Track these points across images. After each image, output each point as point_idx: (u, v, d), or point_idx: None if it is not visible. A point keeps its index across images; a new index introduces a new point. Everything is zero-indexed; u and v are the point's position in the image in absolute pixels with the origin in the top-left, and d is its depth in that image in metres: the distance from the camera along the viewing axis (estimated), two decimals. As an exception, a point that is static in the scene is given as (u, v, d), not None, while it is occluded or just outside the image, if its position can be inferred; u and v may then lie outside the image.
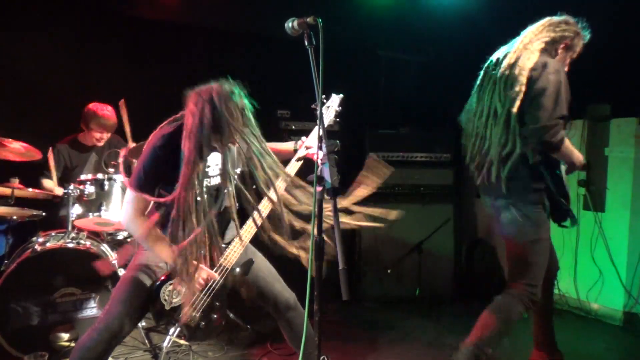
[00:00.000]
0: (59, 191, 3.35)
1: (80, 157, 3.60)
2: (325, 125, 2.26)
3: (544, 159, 2.36)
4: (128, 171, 3.29)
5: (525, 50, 2.40)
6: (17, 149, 3.03)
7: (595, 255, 3.98)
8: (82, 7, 3.96)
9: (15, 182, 3.07)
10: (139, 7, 4.11)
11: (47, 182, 3.47)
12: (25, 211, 3.18)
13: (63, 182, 3.43)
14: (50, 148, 3.42)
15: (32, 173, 3.39)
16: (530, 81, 2.31)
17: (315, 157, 2.10)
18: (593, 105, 4.03)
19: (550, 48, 2.43)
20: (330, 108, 2.40)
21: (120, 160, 3.42)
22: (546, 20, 2.48)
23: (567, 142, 2.34)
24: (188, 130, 1.90)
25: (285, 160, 2.28)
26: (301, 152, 2.28)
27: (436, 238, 4.21)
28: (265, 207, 2.14)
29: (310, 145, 2.27)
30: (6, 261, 3.06)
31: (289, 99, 4.34)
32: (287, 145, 2.39)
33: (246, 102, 1.97)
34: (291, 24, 1.90)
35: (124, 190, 3.19)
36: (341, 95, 2.45)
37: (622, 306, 3.79)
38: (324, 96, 2.28)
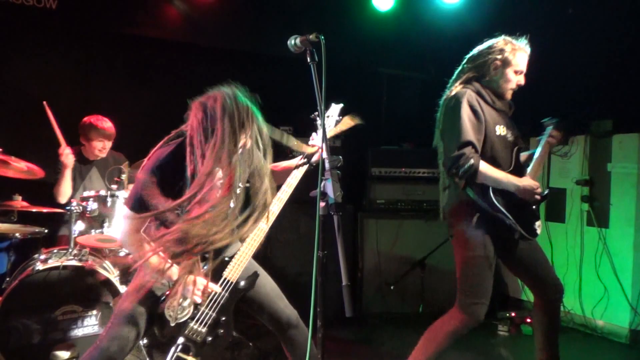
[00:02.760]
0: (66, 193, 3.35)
1: (81, 170, 3.61)
2: (328, 136, 2.27)
3: (473, 184, 2.45)
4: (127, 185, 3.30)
5: (451, 86, 2.63)
6: (20, 168, 3.04)
7: (600, 271, 3.95)
8: (85, 26, 4.01)
9: (18, 199, 3.08)
10: (142, 26, 4.17)
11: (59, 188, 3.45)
12: (28, 228, 3.18)
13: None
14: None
15: (34, 190, 3.39)
16: (443, 114, 2.57)
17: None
18: (595, 121, 4.05)
19: (478, 77, 2.58)
20: (331, 117, 2.40)
21: (124, 175, 3.44)
22: (467, 57, 2.66)
23: (484, 167, 2.41)
24: (194, 138, 1.90)
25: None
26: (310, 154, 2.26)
27: (439, 254, 4.19)
28: (268, 217, 2.14)
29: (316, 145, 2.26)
30: (8, 279, 3.05)
31: (292, 115, 4.36)
32: (293, 162, 2.38)
33: (251, 105, 1.98)
34: (294, 42, 1.93)
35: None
36: (341, 105, 2.45)
37: (628, 323, 3.75)
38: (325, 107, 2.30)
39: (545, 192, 2.62)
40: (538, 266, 2.59)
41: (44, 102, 3.33)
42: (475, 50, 2.63)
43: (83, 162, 3.62)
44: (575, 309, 4.13)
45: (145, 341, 3.02)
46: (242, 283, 2.14)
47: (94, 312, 2.89)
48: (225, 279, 2.11)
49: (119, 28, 4.09)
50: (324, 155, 1.80)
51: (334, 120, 2.41)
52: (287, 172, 2.31)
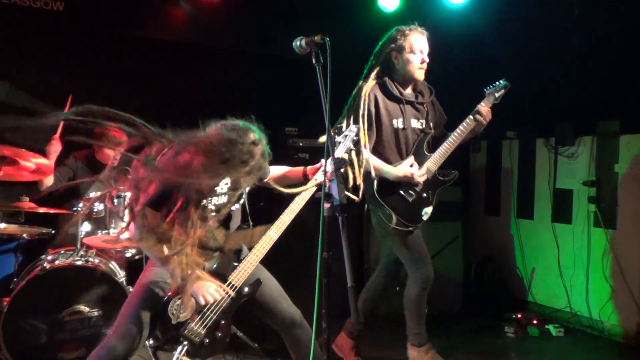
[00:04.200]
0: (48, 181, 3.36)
1: (91, 173, 3.61)
2: (342, 153, 2.27)
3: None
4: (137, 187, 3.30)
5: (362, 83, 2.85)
6: (28, 167, 3.06)
7: (607, 273, 3.93)
8: (92, 28, 4.03)
9: (25, 200, 3.10)
10: (149, 28, 4.19)
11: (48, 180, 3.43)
12: (35, 229, 3.20)
13: (69, 194, 3.45)
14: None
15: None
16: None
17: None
18: (602, 122, 4.02)
19: (385, 70, 2.84)
20: (348, 137, 2.36)
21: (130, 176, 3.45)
22: (373, 53, 2.90)
23: (367, 157, 2.65)
24: (202, 155, 1.91)
25: (293, 184, 2.28)
26: (311, 183, 2.25)
27: (445, 255, 4.17)
28: (278, 226, 2.16)
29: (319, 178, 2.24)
30: (15, 279, 3.07)
31: (297, 116, 4.37)
32: (298, 169, 2.38)
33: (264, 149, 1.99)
34: (299, 43, 1.94)
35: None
36: (359, 126, 2.44)
37: (636, 325, 3.72)
38: (343, 125, 2.30)
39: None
40: (413, 251, 2.92)
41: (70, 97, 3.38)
42: (377, 47, 2.86)
43: (94, 166, 3.63)
44: (582, 310, 4.10)
45: (151, 342, 3.04)
46: (246, 289, 2.17)
47: (101, 312, 2.91)
48: (230, 283, 2.12)
49: (126, 30, 4.11)
50: (330, 156, 1.80)
51: (350, 140, 2.37)
52: (288, 177, 2.31)
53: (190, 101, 4.13)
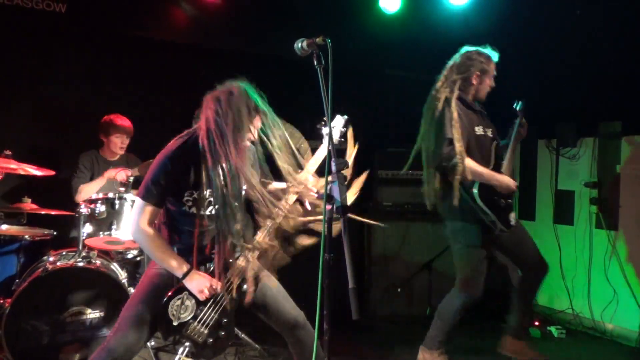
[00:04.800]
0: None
1: (99, 171, 3.64)
2: (329, 144, 2.27)
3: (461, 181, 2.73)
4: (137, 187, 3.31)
5: (437, 91, 2.91)
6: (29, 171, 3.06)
7: (609, 274, 3.92)
8: (94, 29, 4.04)
9: (28, 201, 3.10)
10: (150, 29, 4.19)
11: (85, 187, 3.50)
12: (37, 230, 3.21)
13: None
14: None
15: (44, 193, 3.42)
16: (429, 117, 2.87)
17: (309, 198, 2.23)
18: (604, 123, 4.02)
19: (460, 85, 2.90)
20: (335, 129, 2.36)
21: (131, 178, 3.47)
22: (450, 64, 2.99)
23: (469, 162, 2.71)
24: (212, 130, 1.97)
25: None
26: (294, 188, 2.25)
27: (446, 257, 4.17)
28: (273, 222, 2.15)
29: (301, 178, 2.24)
30: (17, 280, 3.08)
31: (297, 119, 4.36)
32: (283, 185, 2.39)
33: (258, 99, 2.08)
34: (300, 45, 1.94)
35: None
36: (346, 117, 2.43)
37: (638, 326, 3.72)
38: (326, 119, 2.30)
39: None
40: (521, 250, 2.96)
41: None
42: (457, 60, 2.96)
43: (100, 164, 3.65)
44: (584, 312, 4.09)
45: (152, 343, 3.04)
46: (246, 286, 2.15)
47: (102, 313, 2.91)
48: (228, 280, 2.12)
49: (128, 31, 4.12)
50: (332, 157, 1.80)
51: (338, 131, 2.38)
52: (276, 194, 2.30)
53: (191, 101, 4.12)
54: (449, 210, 2.86)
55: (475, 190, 2.76)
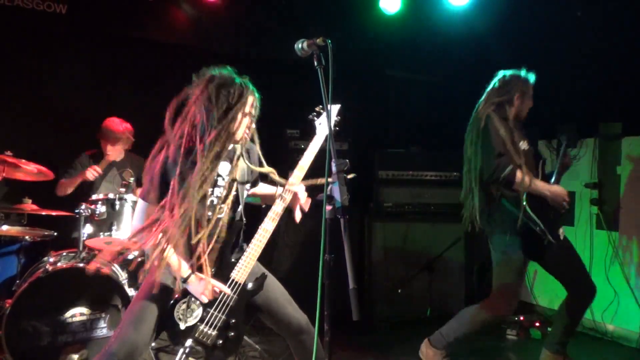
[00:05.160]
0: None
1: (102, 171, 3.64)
2: (322, 136, 2.27)
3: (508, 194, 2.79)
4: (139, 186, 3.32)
5: (479, 112, 2.95)
6: (30, 170, 3.07)
7: (610, 275, 3.91)
8: (95, 30, 4.04)
9: (28, 202, 3.11)
10: (149, 30, 4.20)
11: (64, 181, 3.50)
12: (37, 231, 3.21)
13: (81, 194, 3.48)
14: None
15: (44, 193, 3.42)
16: (477, 132, 2.87)
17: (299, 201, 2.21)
18: (604, 124, 4.01)
19: (503, 105, 2.94)
20: (329, 119, 2.37)
21: (132, 179, 3.47)
22: (489, 88, 3.02)
23: (519, 174, 2.72)
24: (192, 116, 1.99)
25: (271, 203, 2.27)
26: (287, 195, 2.22)
27: (447, 257, 4.17)
28: (272, 219, 2.15)
29: (294, 189, 2.21)
30: (18, 281, 3.08)
31: (298, 118, 4.36)
32: (273, 190, 2.38)
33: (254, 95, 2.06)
34: (301, 45, 1.94)
35: (135, 210, 3.21)
36: (338, 105, 2.42)
37: (639, 327, 3.71)
38: (320, 106, 2.30)
39: None
40: (568, 269, 2.92)
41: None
42: (501, 80, 2.99)
43: (102, 164, 3.65)
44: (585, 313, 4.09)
45: (153, 344, 3.04)
46: (250, 285, 2.14)
47: (103, 314, 2.91)
48: (233, 280, 2.11)
49: (128, 32, 4.12)
50: (332, 158, 1.80)
51: (332, 120, 2.37)
52: (273, 197, 2.28)
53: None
54: (493, 223, 2.88)
55: (523, 202, 2.75)
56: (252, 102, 2.08)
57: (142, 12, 4.11)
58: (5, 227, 3.12)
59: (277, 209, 2.17)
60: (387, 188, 4.35)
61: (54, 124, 3.88)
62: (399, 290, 4.12)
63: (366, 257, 4.29)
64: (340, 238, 1.72)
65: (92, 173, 3.43)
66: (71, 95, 3.92)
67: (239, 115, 2.03)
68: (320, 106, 2.28)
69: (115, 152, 3.62)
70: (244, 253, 2.14)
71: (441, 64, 5.12)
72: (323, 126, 2.29)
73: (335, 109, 2.39)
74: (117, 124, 3.58)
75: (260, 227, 2.14)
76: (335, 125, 2.38)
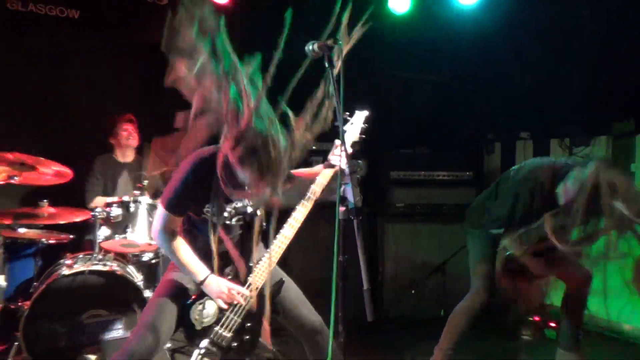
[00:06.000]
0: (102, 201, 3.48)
1: (113, 174, 3.69)
2: (350, 142, 2.28)
3: None
4: (157, 192, 3.35)
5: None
6: (46, 173, 3.10)
7: (626, 274, 3.86)
8: (107, 34, 4.09)
9: (45, 205, 3.14)
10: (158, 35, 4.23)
11: (98, 200, 3.56)
12: (54, 234, 3.25)
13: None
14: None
15: (61, 195, 3.45)
16: None
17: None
18: (617, 122, 3.98)
19: None
20: (355, 125, 2.35)
21: (145, 182, 3.51)
22: None
23: None
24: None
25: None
26: (309, 201, 2.22)
27: (460, 258, 4.15)
28: (292, 226, 2.16)
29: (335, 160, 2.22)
30: (35, 283, 3.12)
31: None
32: (316, 169, 2.37)
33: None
34: (311, 47, 1.96)
35: (149, 212, 3.25)
36: (366, 112, 2.42)
37: (655, 326, 3.67)
38: (347, 113, 2.31)
39: None
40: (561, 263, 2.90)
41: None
42: None
43: (114, 166, 3.70)
44: (600, 312, 4.04)
45: (169, 345, 3.07)
46: (267, 289, 2.14)
47: (119, 316, 2.94)
48: (249, 284, 2.13)
49: (139, 36, 4.16)
50: (344, 159, 1.81)
51: (358, 127, 2.36)
52: (306, 180, 2.29)
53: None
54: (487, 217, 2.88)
55: None
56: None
57: (152, 16, 4.15)
58: (22, 230, 3.17)
59: (298, 216, 2.17)
60: (398, 188, 4.34)
61: (68, 128, 3.92)
62: (413, 291, 4.11)
63: (378, 258, 4.29)
64: (354, 239, 1.72)
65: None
66: (84, 100, 3.97)
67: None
68: (347, 113, 2.29)
69: (134, 137, 3.71)
70: (263, 257, 2.15)
71: (449, 64, 5.10)
72: (350, 133, 2.29)
73: (362, 116, 2.37)
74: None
75: (279, 232, 2.14)
76: (362, 133, 2.37)
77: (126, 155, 3.77)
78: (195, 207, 2.05)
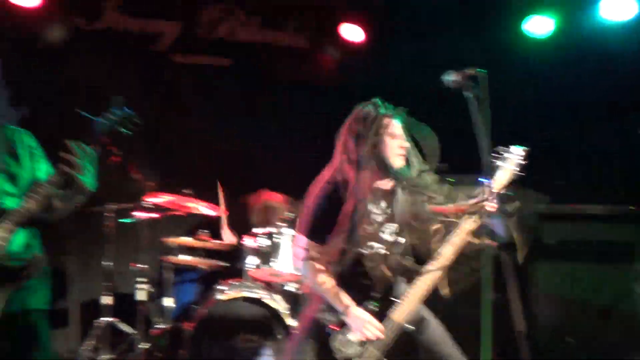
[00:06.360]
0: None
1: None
2: (505, 180, 2.13)
3: None
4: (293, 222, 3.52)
5: None
6: (204, 206, 3.46)
7: None
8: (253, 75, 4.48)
9: (205, 234, 3.48)
10: (300, 75, 4.56)
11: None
12: (212, 262, 3.57)
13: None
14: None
15: (217, 226, 3.79)
16: None
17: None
18: None
19: None
20: (511, 160, 2.15)
21: (287, 214, 3.71)
22: None
23: None
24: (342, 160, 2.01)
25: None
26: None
27: (628, 302, 3.67)
28: (439, 261, 2.10)
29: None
30: (196, 306, 3.40)
31: (445, 151, 4.27)
32: (461, 205, 2.28)
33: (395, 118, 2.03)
34: (450, 77, 1.92)
35: (292, 242, 3.42)
36: (525, 148, 2.24)
37: None
38: (503, 148, 2.18)
39: None
40: None
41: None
42: None
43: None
44: None
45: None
46: (409, 327, 2.10)
47: (268, 343, 3.10)
48: (391, 320, 2.11)
49: (281, 77, 4.50)
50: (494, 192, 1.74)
51: (515, 162, 2.16)
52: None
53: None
54: None
55: None
56: (394, 124, 2.09)
57: (299, 58, 4.46)
58: (185, 257, 3.54)
59: (446, 252, 2.11)
60: (547, 223, 3.99)
61: (219, 167, 4.31)
62: (569, 340, 3.70)
63: (527, 299, 3.96)
64: (502, 276, 1.64)
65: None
66: (233, 138, 4.36)
67: (387, 139, 2.05)
68: (503, 148, 2.18)
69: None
70: (406, 293, 2.13)
71: (604, 85, 4.65)
72: (503, 172, 2.12)
73: (519, 151, 2.19)
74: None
75: (425, 267, 2.09)
76: (520, 170, 2.18)
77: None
78: (334, 234, 2.11)
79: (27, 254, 1.83)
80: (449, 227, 2.13)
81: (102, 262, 3.50)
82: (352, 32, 4.40)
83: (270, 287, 3.46)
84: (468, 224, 2.06)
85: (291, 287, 3.53)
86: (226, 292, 3.21)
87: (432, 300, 2.11)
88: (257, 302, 3.15)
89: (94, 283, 3.64)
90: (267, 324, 3.12)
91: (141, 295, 3.39)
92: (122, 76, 3.98)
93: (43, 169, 1.95)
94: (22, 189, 1.87)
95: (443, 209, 2.23)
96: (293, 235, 3.43)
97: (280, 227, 3.48)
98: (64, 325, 3.81)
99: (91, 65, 3.91)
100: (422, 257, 2.07)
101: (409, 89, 4.56)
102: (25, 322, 1.83)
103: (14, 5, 3.50)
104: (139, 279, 3.40)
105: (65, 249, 3.67)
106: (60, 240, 3.65)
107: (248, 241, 3.37)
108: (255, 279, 3.39)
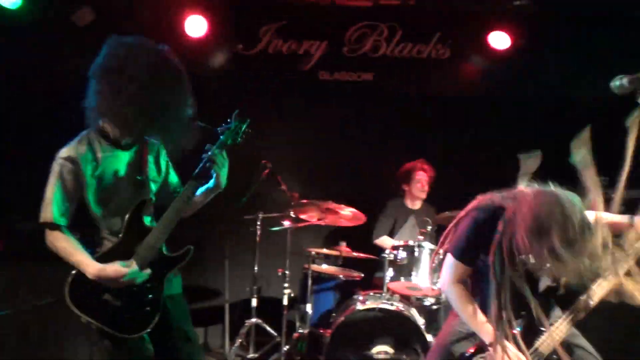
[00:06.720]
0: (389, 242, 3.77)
1: (401, 219, 3.97)
2: None
3: None
4: (436, 238, 3.44)
5: None
6: (346, 215, 3.56)
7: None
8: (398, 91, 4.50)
9: (343, 245, 3.58)
10: (443, 88, 4.46)
11: (384, 239, 3.91)
12: (350, 272, 3.65)
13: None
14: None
15: (357, 236, 3.86)
16: None
17: None
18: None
19: None
20: None
21: (429, 227, 3.64)
22: None
23: None
24: (519, 235, 1.78)
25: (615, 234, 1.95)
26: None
27: None
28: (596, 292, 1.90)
29: None
30: (334, 314, 3.52)
31: (606, 163, 3.82)
32: (621, 218, 2.03)
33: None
34: (620, 82, 1.75)
35: (431, 257, 3.34)
36: None
37: None
38: None
39: None
40: None
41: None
42: None
43: (404, 212, 3.99)
44: None
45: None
46: (554, 357, 1.93)
47: (404, 356, 3.06)
48: (536, 349, 1.94)
49: (423, 89, 4.48)
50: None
51: None
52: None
53: (488, 152, 4.19)
54: None
55: None
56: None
57: (433, 71, 4.40)
58: (325, 267, 3.67)
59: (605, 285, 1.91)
60: None
61: (365, 174, 4.40)
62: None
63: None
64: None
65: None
66: (375, 148, 4.42)
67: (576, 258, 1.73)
68: None
69: (426, 188, 3.91)
70: (556, 321, 1.96)
71: None
72: None
73: None
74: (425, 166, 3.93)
75: (579, 298, 1.94)
76: None
77: (415, 204, 4.00)
78: (486, 254, 2.00)
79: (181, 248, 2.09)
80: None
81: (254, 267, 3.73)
82: (499, 40, 4.25)
83: (407, 300, 3.44)
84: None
85: (428, 301, 3.45)
86: (365, 302, 3.24)
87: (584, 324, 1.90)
88: (395, 314, 3.13)
89: (244, 285, 3.92)
90: (405, 337, 3.08)
91: (286, 300, 3.57)
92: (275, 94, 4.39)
93: (174, 177, 2.25)
94: (162, 193, 2.17)
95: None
96: (432, 249, 3.36)
97: (420, 241, 3.43)
98: (217, 323, 4.16)
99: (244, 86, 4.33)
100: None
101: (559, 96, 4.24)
102: (173, 303, 2.10)
103: (187, 36, 4.13)
104: (284, 285, 3.59)
105: (224, 252, 4.01)
106: (218, 244, 4.02)
107: (388, 254, 3.39)
108: (393, 292, 3.38)
